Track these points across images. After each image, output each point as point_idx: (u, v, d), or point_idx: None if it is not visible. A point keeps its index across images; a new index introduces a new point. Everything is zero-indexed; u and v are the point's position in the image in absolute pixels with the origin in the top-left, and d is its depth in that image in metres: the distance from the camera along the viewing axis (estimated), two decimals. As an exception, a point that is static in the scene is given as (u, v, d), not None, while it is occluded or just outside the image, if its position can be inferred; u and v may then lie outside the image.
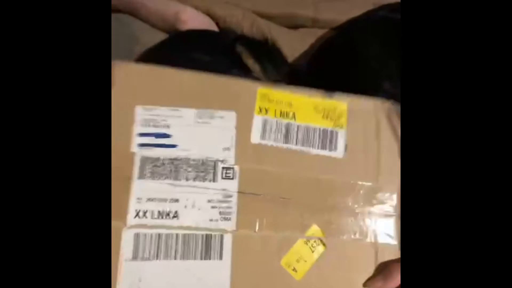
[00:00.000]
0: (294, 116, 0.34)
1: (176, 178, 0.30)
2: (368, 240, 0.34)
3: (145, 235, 0.29)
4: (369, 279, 0.33)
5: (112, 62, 0.32)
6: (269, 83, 0.36)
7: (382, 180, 0.35)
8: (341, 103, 0.36)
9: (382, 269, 0.34)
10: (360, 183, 0.34)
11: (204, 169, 0.31)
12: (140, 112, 0.32)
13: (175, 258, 0.29)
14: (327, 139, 0.34)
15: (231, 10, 0.65)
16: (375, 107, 0.37)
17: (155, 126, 0.31)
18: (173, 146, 0.31)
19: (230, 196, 0.31)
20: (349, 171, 0.34)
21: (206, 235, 0.30)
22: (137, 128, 0.31)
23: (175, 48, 0.58)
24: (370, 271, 0.34)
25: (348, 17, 0.62)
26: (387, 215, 0.34)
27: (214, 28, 0.66)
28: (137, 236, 0.29)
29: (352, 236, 0.33)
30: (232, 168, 0.31)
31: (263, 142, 0.33)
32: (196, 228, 0.30)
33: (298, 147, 0.34)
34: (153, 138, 0.31)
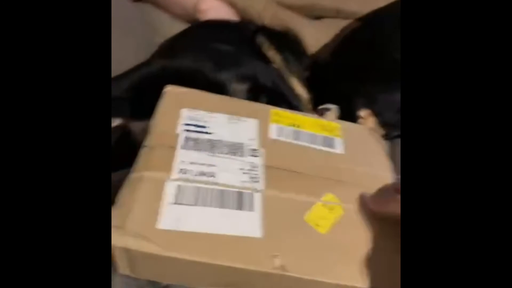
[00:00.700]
0: (299, 127, 0.43)
1: (212, 152, 0.37)
2: None
3: (186, 187, 0.34)
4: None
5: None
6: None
7: (377, 167, 0.42)
8: (335, 123, 0.45)
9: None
10: (358, 168, 0.40)
11: (235, 148, 0.38)
12: (185, 112, 0.40)
13: (211, 206, 0.33)
14: (328, 141, 0.42)
15: (252, 1, 0.63)
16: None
17: (196, 120, 0.40)
18: (210, 133, 0.39)
19: (257, 167, 0.37)
20: (348, 160, 0.41)
21: (238, 191, 0.34)
22: (182, 120, 0.39)
23: (196, 38, 0.58)
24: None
25: (372, 8, 0.60)
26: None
27: (234, 18, 0.64)
28: (179, 187, 0.34)
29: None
30: (257, 150, 0.39)
31: (279, 138, 0.41)
32: (231, 186, 0.35)
33: (306, 144, 0.41)
34: (194, 127, 0.39)
